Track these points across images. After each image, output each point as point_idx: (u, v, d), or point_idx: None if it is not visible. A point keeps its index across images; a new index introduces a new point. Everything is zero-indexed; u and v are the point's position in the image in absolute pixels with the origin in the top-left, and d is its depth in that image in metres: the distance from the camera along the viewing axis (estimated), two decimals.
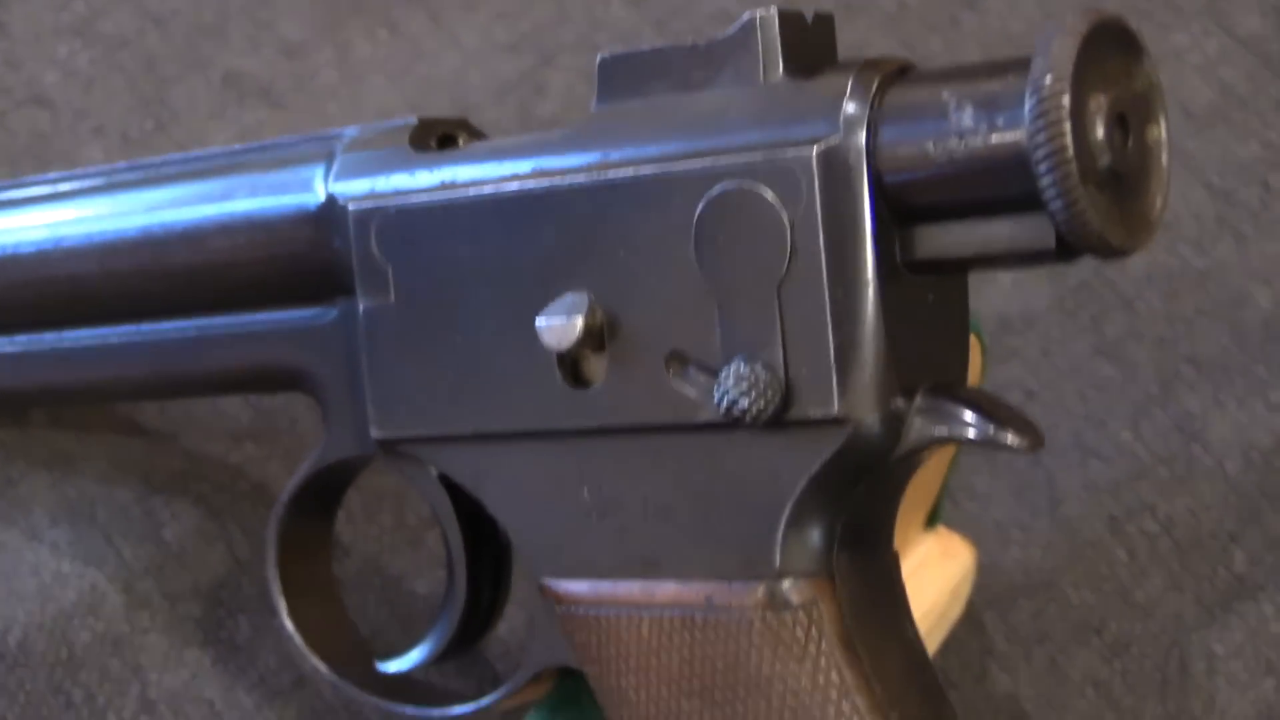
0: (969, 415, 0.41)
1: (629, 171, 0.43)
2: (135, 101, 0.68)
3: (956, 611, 0.57)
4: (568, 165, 0.44)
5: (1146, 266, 0.64)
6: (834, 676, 0.44)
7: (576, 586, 0.46)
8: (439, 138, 0.48)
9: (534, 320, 0.43)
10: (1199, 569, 0.59)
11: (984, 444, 0.41)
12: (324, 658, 0.51)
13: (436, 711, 0.50)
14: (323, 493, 0.52)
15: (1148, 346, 0.62)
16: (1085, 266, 0.64)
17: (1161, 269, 0.64)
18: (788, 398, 0.41)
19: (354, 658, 0.52)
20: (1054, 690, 0.57)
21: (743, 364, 0.41)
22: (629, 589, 0.45)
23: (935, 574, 0.55)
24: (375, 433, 0.48)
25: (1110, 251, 0.39)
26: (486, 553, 0.51)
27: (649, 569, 0.45)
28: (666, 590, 0.45)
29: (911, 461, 0.43)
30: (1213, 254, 0.64)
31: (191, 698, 0.58)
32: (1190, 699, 0.57)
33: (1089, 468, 0.61)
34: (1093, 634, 0.58)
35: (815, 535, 0.43)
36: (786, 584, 0.43)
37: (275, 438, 0.61)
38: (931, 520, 0.56)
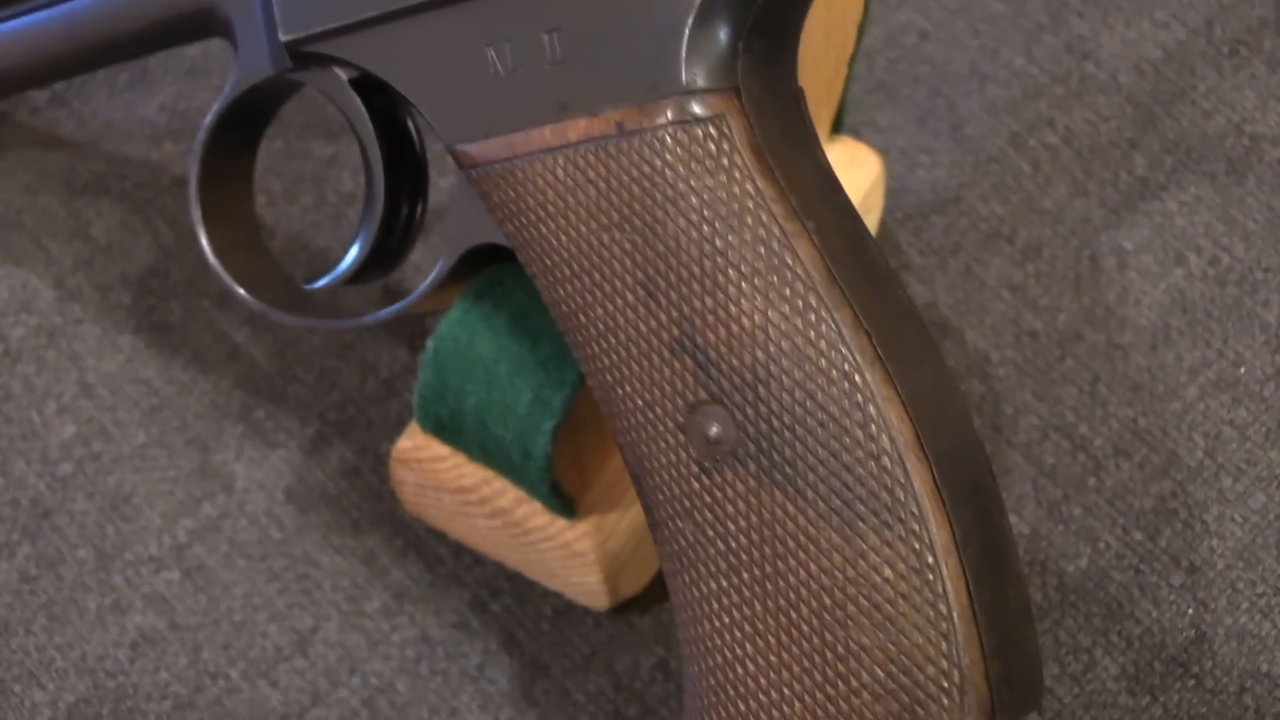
0: None
1: None
2: None
3: (870, 225, 0.59)
4: None
5: None
6: (749, 188, 0.45)
7: (490, 145, 0.47)
8: None
9: None
10: (1102, 175, 0.60)
11: None
12: (244, 285, 0.52)
13: (366, 317, 0.51)
14: (243, 124, 0.53)
15: None
16: None
17: None
18: None
19: (276, 285, 0.53)
20: (971, 296, 0.59)
21: None
22: (541, 134, 0.46)
23: (844, 182, 0.57)
24: (284, 35, 0.49)
25: None
26: (405, 166, 0.52)
27: (560, 112, 0.46)
28: (578, 127, 0.46)
29: None
30: None
31: (129, 379, 0.59)
32: (1105, 292, 0.58)
33: (986, 92, 0.62)
34: (1004, 242, 0.60)
35: (719, 48, 0.45)
36: (694, 99, 0.44)
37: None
38: (836, 127, 0.57)
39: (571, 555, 0.53)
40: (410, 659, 0.54)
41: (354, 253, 0.52)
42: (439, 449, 0.53)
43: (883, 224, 0.60)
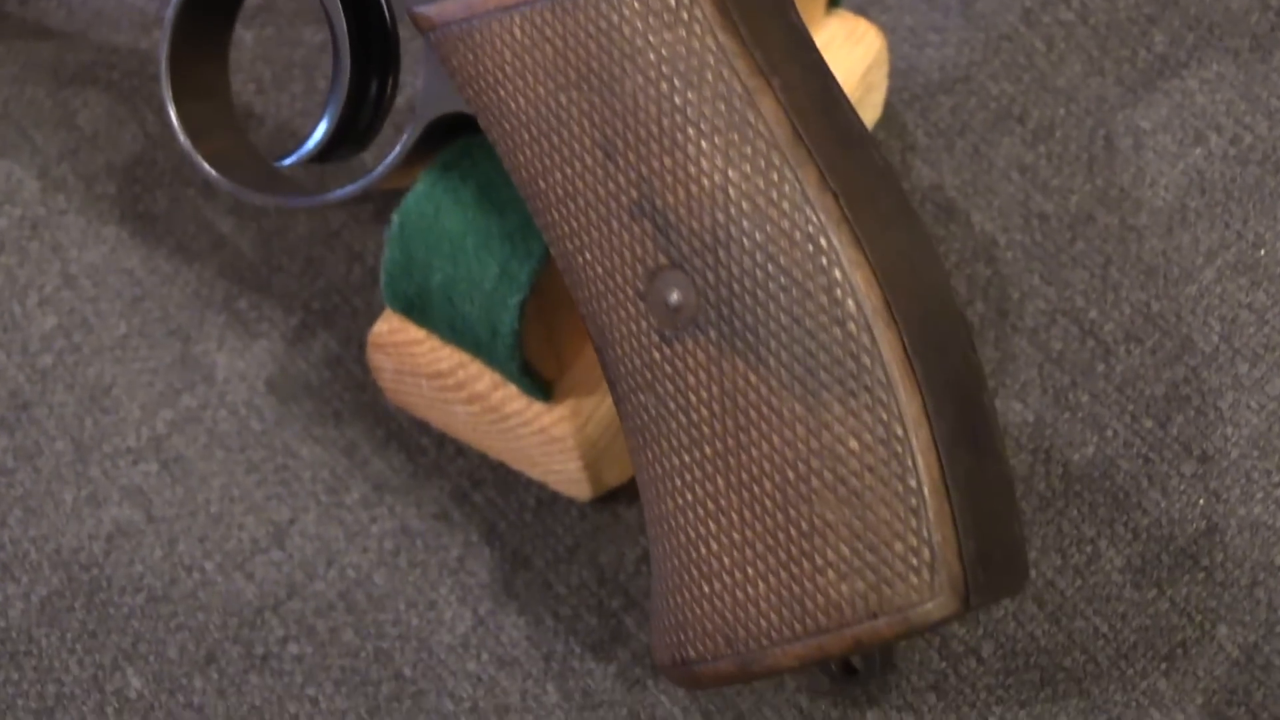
0: None
1: None
2: None
3: (873, 104, 0.56)
4: None
5: None
6: (710, 42, 0.43)
7: (448, 7, 0.45)
8: None
9: None
10: (1119, 53, 0.58)
11: None
12: (215, 165, 0.50)
13: (332, 195, 0.49)
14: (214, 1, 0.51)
15: None
16: None
17: None
18: None
19: (250, 166, 0.51)
20: (979, 177, 0.56)
21: None
22: None
23: (842, 58, 0.54)
24: None
25: None
26: (374, 40, 0.51)
27: None
28: None
29: None
30: None
31: (112, 269, 0.58)
32: (1119, 173, 0.56)
33: None
34: (1015, 122, 0.57)
35: None
36: None
37: None
38: (833, 1, 0.55)
39: (550, 441, 0.51)
40: (389, 551, 0.53)
41: (321, 129, 0.51)
42: (414, 332, 0.51)
43: (888, 103, 0.57)
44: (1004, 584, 0.43)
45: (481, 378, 0.51)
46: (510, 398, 0.51)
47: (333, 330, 0.56)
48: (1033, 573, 0.51)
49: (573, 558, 0.53)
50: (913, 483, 0.41)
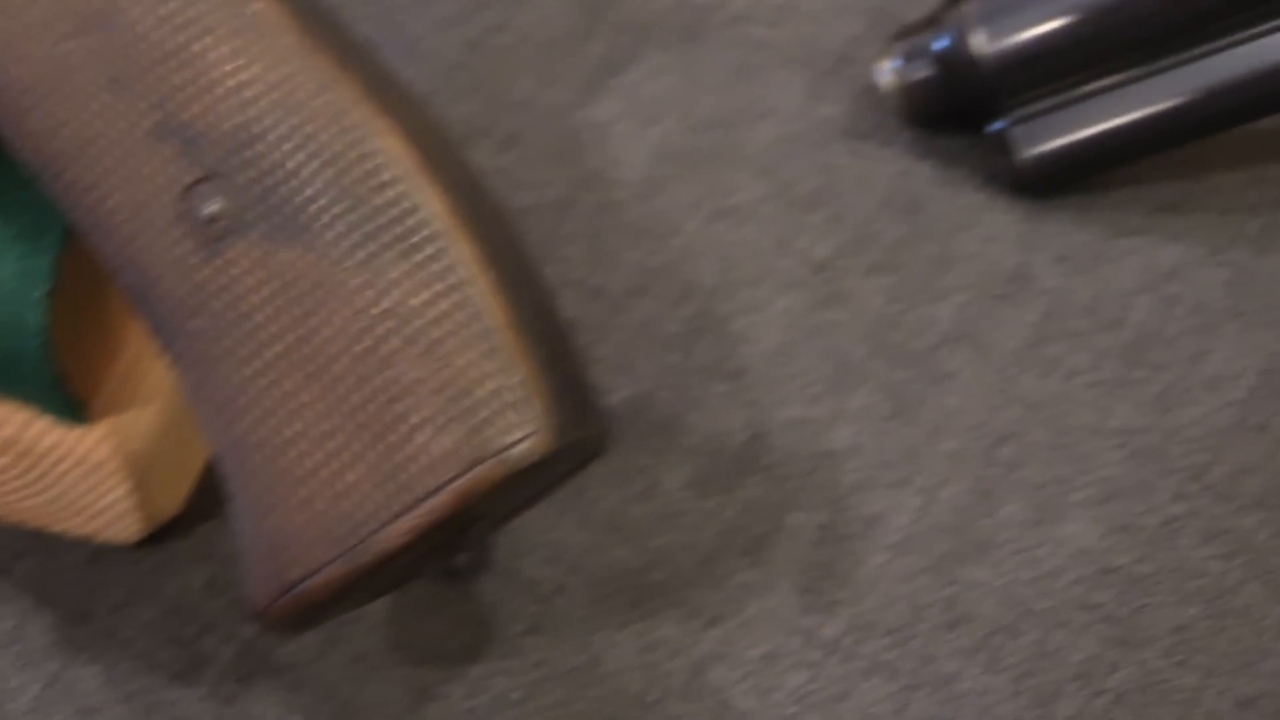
0: None
1: None
2: None
3: None
4: None
5: None
6: None
7: None
8: None
9: None
10: (563, 63, 0.61)
11: None
12: None
13: None
14: None
15: None
16: None
17: None
18: None
19: None
20: None
21: None
22: None
23: None
24: None
25: None
26: None
27: None
28: None
29: None
30: None
31: None
32: (590, 160, 0.58)
33: (433, 12, 0.62)
34: (482, 136, 0.59)
35: None
36: None
37: None
38: None
39: (91, 471, 0.48)
40: None
41: None
42: None
43: None
44: (591, 423, 0.43)
45: (9, 421, 0.48)
46: (44, 432, 0.48)
47: None
48: (602, 504, 0.51)
49: (134, 600, 0.50)
50: (487, 322, 0.41)
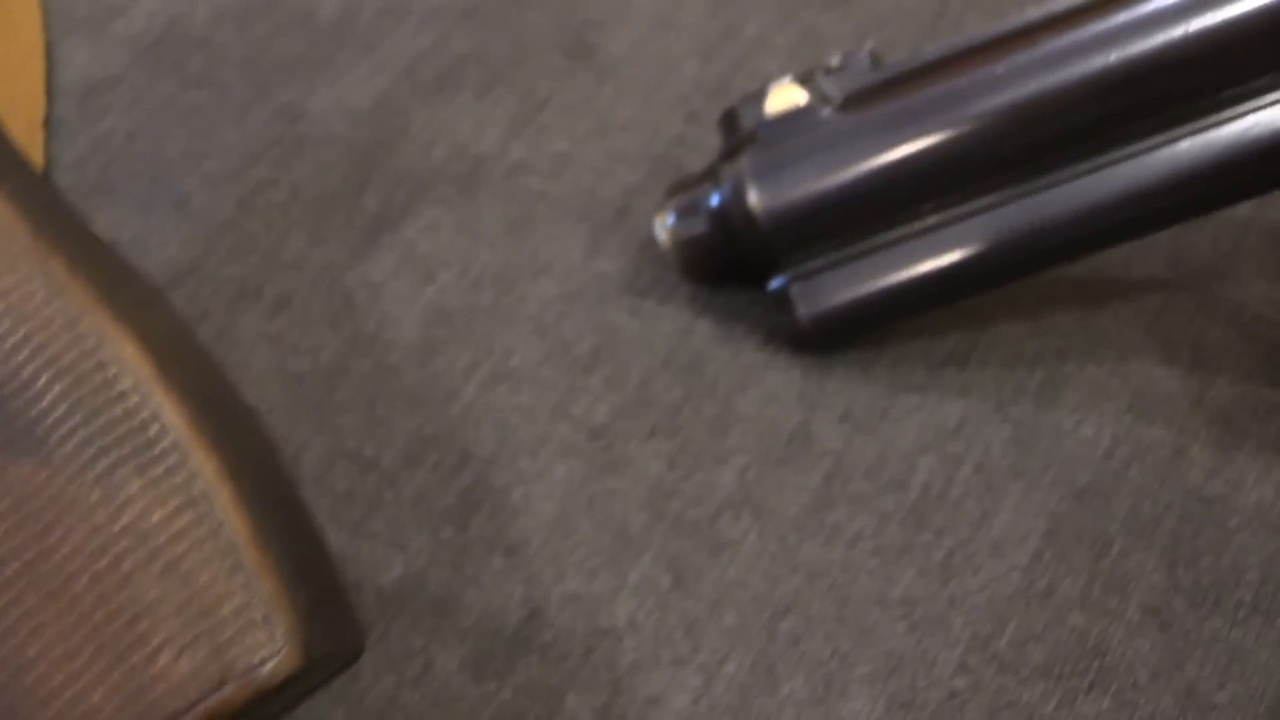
0: None
1: None
2: None
3: None
4: None
5: (215, 8, 0.65)
6: None
7: None
8: None
9: None
10: (336, 220, 0.59)
11: None
12: None
13: None
14: None
15: (233, 69, 0.63)
16: (160, 20, 0.64)
17: (228, 10, 0.65)
18: None
19: None
20: (230, 355, 0.56)
21: None
22: None
23: None
24: None
25: None
26: None
27: None
28: None
29: None
30: None
31: None
32: (364, 323, 0.57)
33: (205, 168, 0.61)
34: (252, 299, 0.57)
35: None
36: None
37: None
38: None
39: None
40: None
41: None
42: None
43: None
44: (342, 636, 0.41)
45: None
46: None
47: None
48: (374, 691, 0.49)
49: None
50: (228, 539, 0.40)
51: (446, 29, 0.64)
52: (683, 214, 0.56)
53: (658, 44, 0.64)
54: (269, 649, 0.39)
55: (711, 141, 0.60)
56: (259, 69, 0.63)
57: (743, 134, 0.55)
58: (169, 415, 0.40)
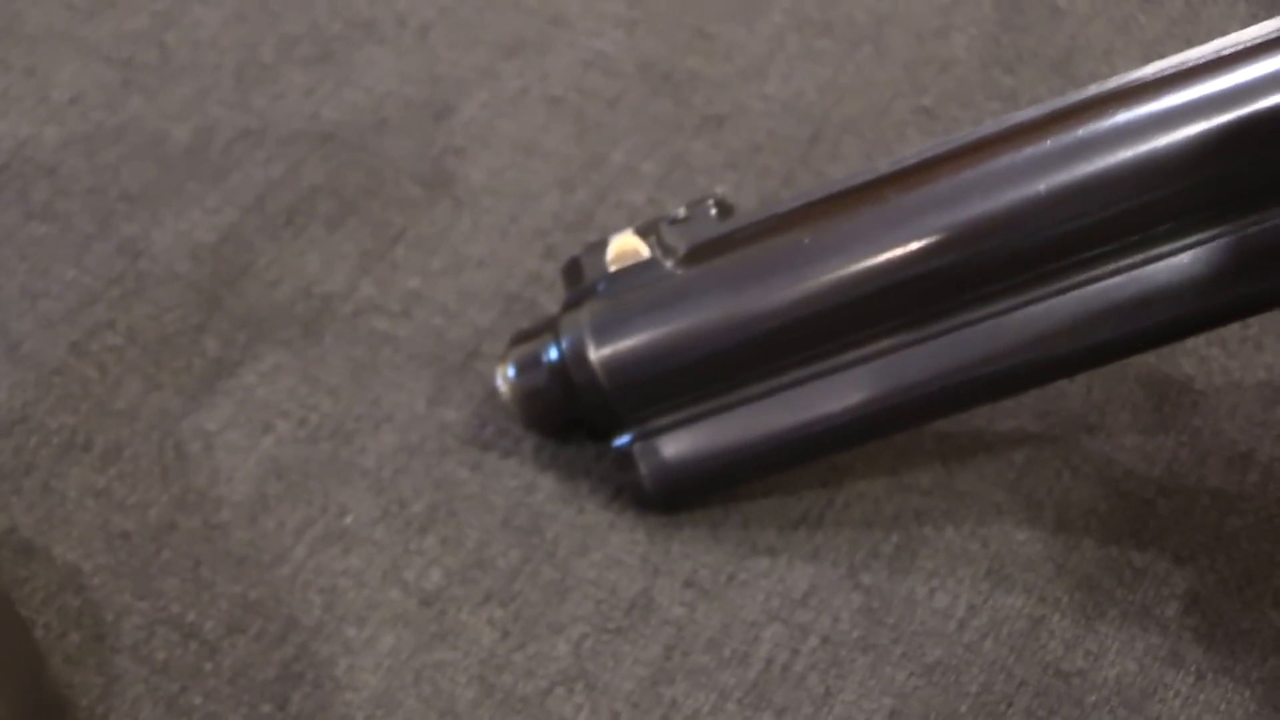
0: None
1: None
2: None
3: None
4: None
5: (63, 138, 0.63)
6: None
7: None
8: None
9: None
10: (173, 364, 0.57)
11: None
12: None
13: None
14: None
15: (78, 198, 0.61)
16: (7, 145, 0.62)
17: (78, 135, 0.63)
18: None
19: None
20: (54, 511, 0.54)
21: None
22: None
23: None
24: None
25: None
26: None
27: None
28: None
29: None
30: (124, 111, 0.63)
31: None
32: (194, 477, 0.54)
33: (40, 308, 0.58)
34: (81, 451, 0.55)
35: None
36: None
37: None
38: None
39: None
40: None
41: None
42: None
43: None
44: None
45: None
46: None
47: None
48: None
49: None
50: None
51: (301, 156, 0.62)
52: (523, 367, 0.53)
53: (519, 171, 0.62)
54: None
55: None
56: (105, 199, 0.61)
57: (584, 286, 0.52)
58: None
